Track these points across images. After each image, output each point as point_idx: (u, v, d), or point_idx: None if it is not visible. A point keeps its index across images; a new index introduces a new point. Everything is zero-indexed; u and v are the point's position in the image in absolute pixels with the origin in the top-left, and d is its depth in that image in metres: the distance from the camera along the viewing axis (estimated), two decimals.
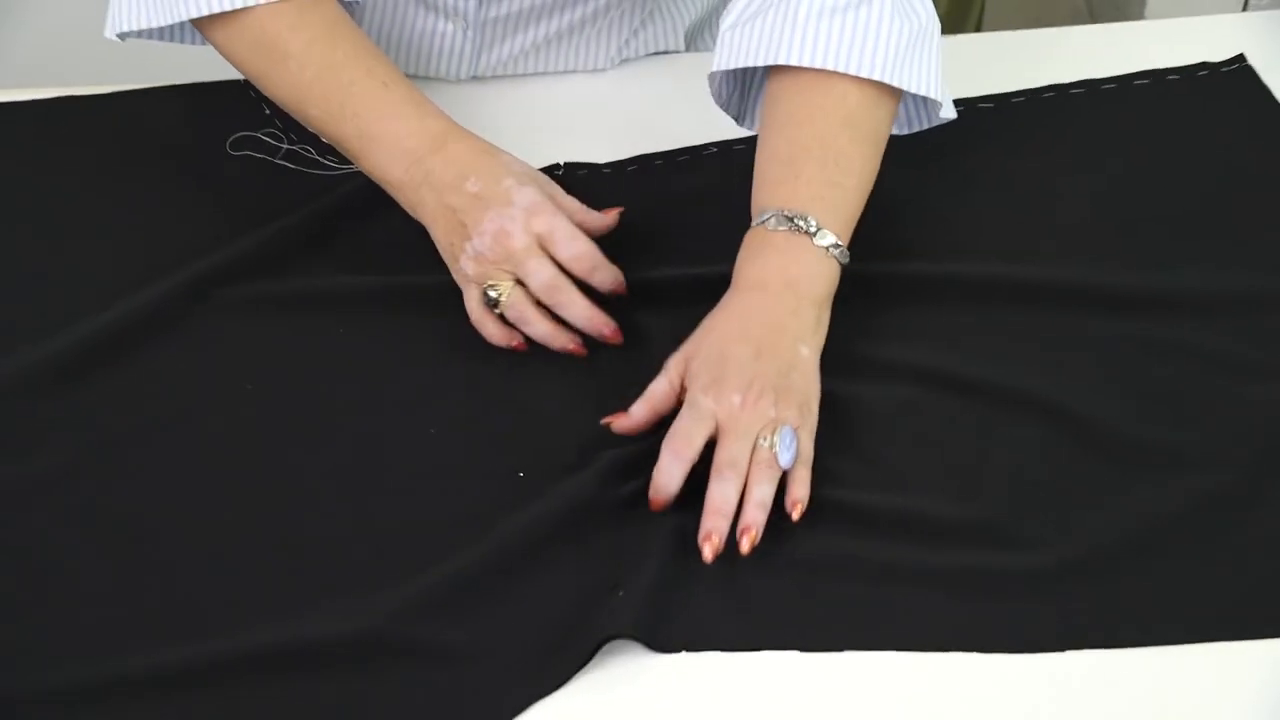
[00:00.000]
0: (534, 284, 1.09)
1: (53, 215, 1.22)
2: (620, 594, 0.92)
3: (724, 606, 0.93)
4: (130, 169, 1.26)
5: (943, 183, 1.23)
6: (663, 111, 1.31)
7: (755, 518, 0.97)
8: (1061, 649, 0.91)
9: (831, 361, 1.06)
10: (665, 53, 1.40)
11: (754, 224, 1.11)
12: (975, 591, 0.94)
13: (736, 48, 1.15)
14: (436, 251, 1.14)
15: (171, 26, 1.22)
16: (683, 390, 1.03)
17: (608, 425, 1.03)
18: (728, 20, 1.17)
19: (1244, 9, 2.08)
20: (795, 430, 1.00)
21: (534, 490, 0.99)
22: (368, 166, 1.16)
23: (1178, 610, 0.93)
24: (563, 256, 1.09)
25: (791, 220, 1.08)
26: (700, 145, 1.27)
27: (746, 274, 1.09)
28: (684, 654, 0.91)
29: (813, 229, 1.08)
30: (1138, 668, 0.90)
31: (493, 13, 1.30)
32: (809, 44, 1.11)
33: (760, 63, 1.13)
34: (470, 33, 1.31)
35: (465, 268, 1.11)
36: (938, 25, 1.17)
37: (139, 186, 1.24)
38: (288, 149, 1.26)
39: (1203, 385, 1.06)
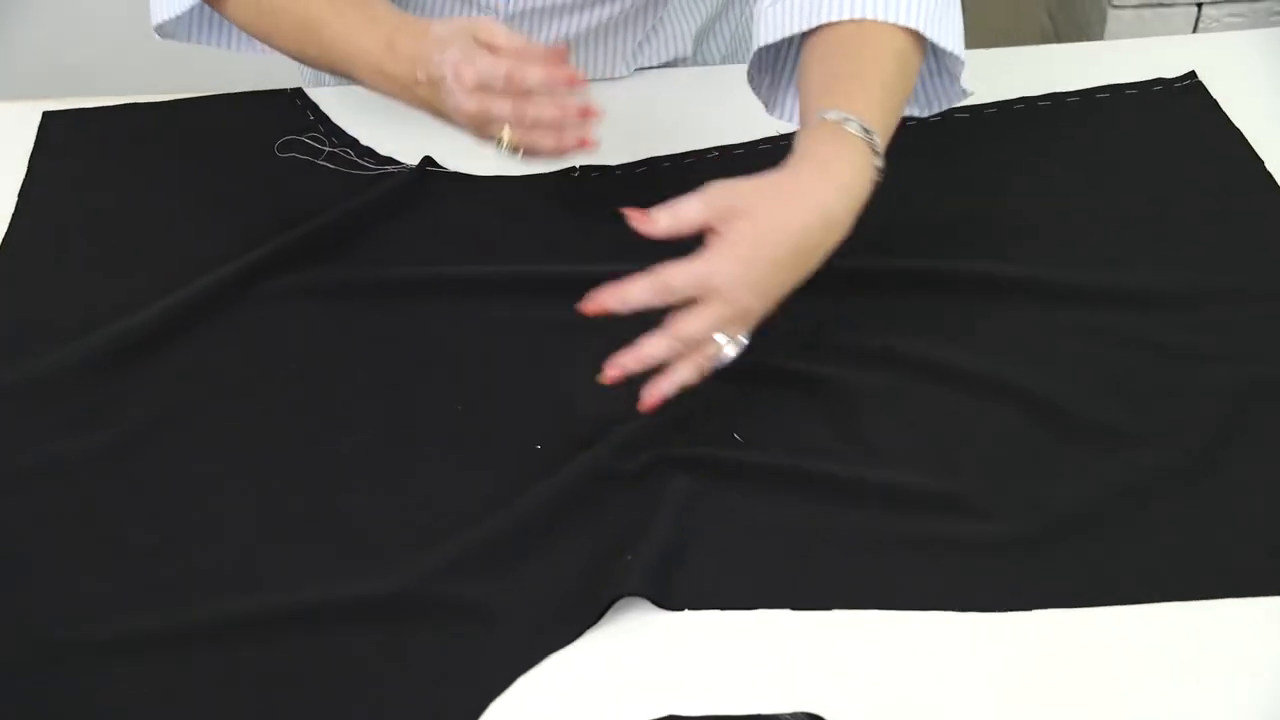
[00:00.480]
0: (505, 117, 1.04)
1: (115, 212, 1.23)
2: (629, 557, 0.93)
3: (724, 568, 0.94)
4: (187, 169, 1.26)
5: (923, 185, 1.23)
6: (670, 119, 1.31)
7: (663, 388, 0.97)
8: (1030, 608, 0.92)
9: (824, 348, 1.08)
10: (674, 64, 1.40)
11: (829, 116, 1.02)
12: (952, 556, 0.95)
13: (777, 21, 1.10)
14: (463, 244, 1.16)
15: (199, 25, 1.23)
16: (705, 230, 0.97)
17: (622, 215, 0.97)
18: (763, 2, 1.13)
19: (1194, 31, 2.10)
20: (742, 347, 0.98)
21: (551, 462, 1.00)
22: (367, 88, 1.14)
23: (1136, 572, 0.93)
24: (501, 44, 1.04)
25: (867, 133, 1.02)
26: (704, 149, 1.27)
27: (823, 155, 1.01)
28: (687, 611, 0.92)
29: (878, 148, 1.03)
30: (1101, 624, 0.91)
31: (523, 5, 1.29)
32: (848, 4, 1.07)
33: (803, 27, 1.08)
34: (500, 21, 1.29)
35: (460, 123, 1.07)
36: None
37: (195, 185, 1.25)
38: (329, 151, 1.26)
39: (1157, 371, 1.06)
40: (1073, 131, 1.29)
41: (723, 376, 1.04)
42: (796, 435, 1.02)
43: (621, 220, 1.04)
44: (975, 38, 2.40)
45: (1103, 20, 2.11)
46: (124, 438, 1.03)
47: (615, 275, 1.12)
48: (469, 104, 1.05)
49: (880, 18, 1.07)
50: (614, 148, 1.27)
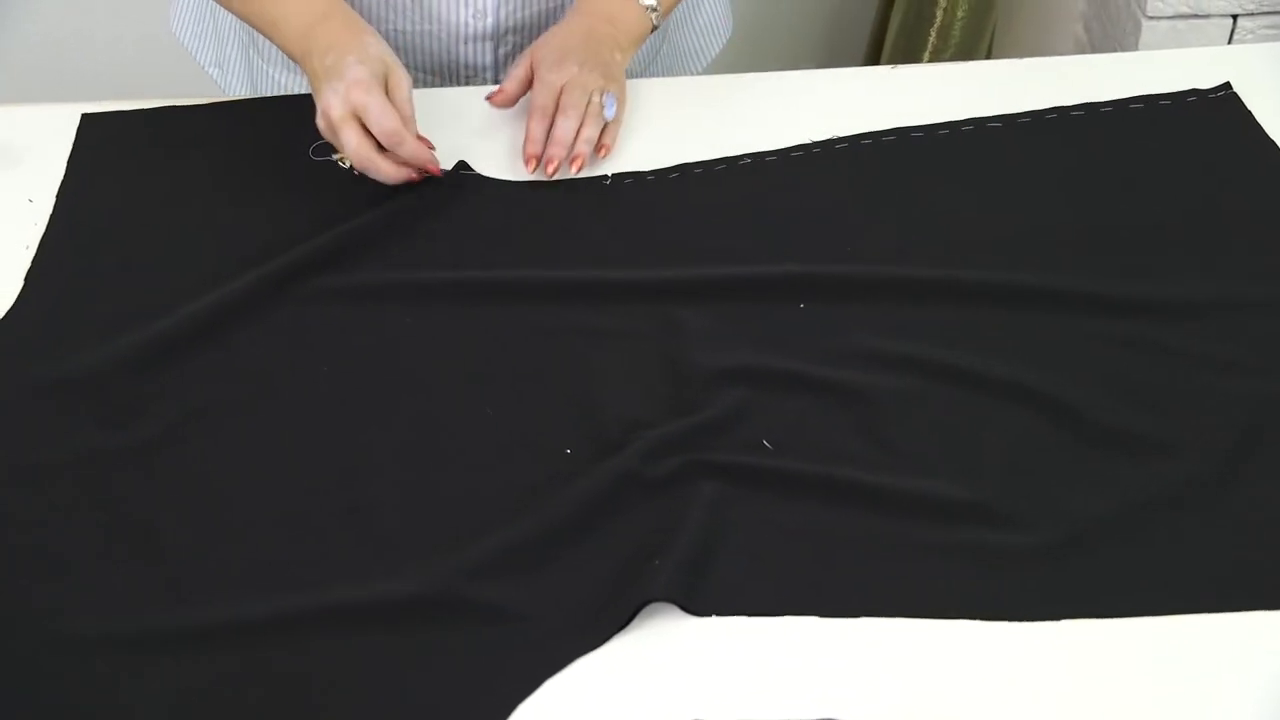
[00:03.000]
0: (346, 150, 1.18)
1: (151, 213, 1.23)
2: (657, 563, 0.93)
3: (751, 574, 0.94)
4: (222, 171, 1.26)
5: (953, 192, 1.23)
6: (702, 125, 1.31)
7: (583, 150, 1.23)
8: (1056, 617, 0.91)
9: (848, 353, 1.08)
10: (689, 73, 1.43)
11: None
12: (977, 565, 0.94)
13: None
14: (494, 249, 1.16)
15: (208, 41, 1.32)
16: (533, 78, 1.24)
17: (489, 100, 1.26)
18: None
19: (1229, 42, 2.08)
20: (616, 97, 1.24)
21: (580, 466, 1.00)
22: (280, 47, 1.25)
23: (1161, 581, 0.93)
24: (373, 128, 1.16)
25: None
26: (736, 155, 1.27)
27: (582, 5, 1.31)
28: (713, 617, 0.92)
29: None
30: (1126, 633, 0.91)
31: None
32: None
33: None
34: None
35: (320, 116, 1.19)
36: None
37: (230, 187, 1.25)
38: None
39: (1184, 380, 1.06)
40: (1106, 141, 1.29)
41: (754, 380, 1.05)
42: (824, 442, 1.02)
43: (657, 225, 1.16)
44: (1008, 47, 2.40)
45: (1137, 31, 2.10)
46: (156, 436, 1.03)
47: (646, 280, 1.13)
48: (336, 112, 1.16)
49: None
50: (646, 153, 1.27)
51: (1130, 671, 0.89)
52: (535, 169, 1.23)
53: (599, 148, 1.25)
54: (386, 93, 1.17)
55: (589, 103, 1.23)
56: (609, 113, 1.24)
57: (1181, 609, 0.92)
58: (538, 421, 1.04)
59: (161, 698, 0.88)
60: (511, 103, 1.28)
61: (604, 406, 1.04)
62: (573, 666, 0.90)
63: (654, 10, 1.32)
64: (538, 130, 1.23)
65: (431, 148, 1.21)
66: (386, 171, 1.19)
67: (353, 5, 1.35)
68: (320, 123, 1.19)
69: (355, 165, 1.19)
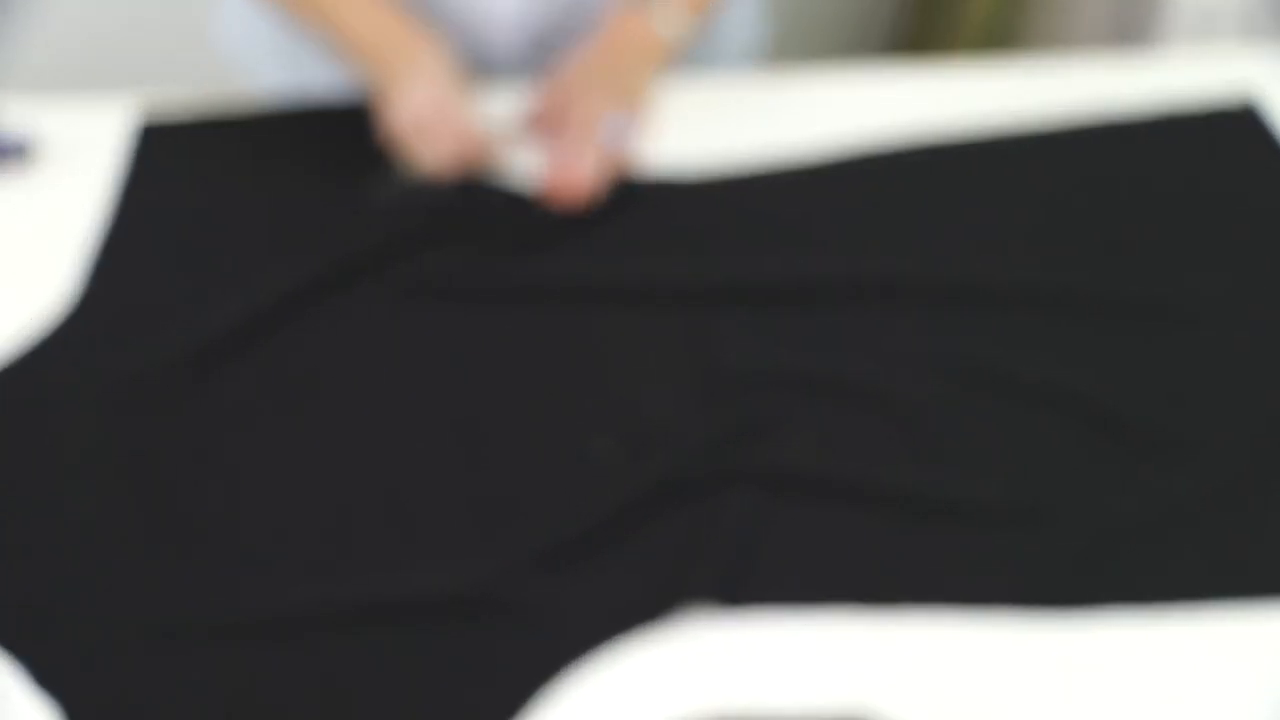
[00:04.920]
0: (428, 164, 1.22)
1: (209, 215, 1.24)
2: (692, 568, 0.94)
3: (785, 573, 0.95)
4: (279, 178, 1.27)
5: (982, 200, 1.24)
6: (735, 126, 1.32)
7: (599, 175, 1.22)
8: (1093, 608, 0.93)
9: (883, 357, 1.09)
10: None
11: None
12: (1010, 561, 0.96)
13: None
14: (528, 250, 1.18)
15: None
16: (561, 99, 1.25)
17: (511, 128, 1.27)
18: None
19: (1249, 40, 2.08)
20: (635, 121, 1.25)
21: (614, 468, 1.01)
22: (344, 53, 1.28)
23: (1201, 580, 0.94)
24: (455, 142, 1.22)
25: (655, 2, 1.30)
26: (768, 160, 1.28)
27: (608, 26, 1.31)
28: (739, 608, 0.93)
29: (667, 12, 1.30)
30: (1163, 632, 0.92)
31: None
32: None
33: None
34: None
35: (386, 138, 1.23)
36: None
37: (285, 192, 1.26)
38: None
39: (1217, 382, 1.07)
40: (1132, 151, 1.29)
41: (787, 384, 1.07)
42: (861, 446, 1.03)
43: (689, 229, 1.18)
44: (1038, 42, 2.38)
45: (1163, 20, 2.10)
46: (203, 430, 1.05)
47: (682, 283, 1.15)
48: (427, 116, 1.21)
49: None
50: (676, 156, 1.28)
51: (1169, 669, 0.90)
52: (551, 194, 1.23)
53: (622, 171, 1.25)
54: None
55: (608, 129, 1.24)
56: (625, 139, 1.25)
57: (1223, 605, 0.93)
58: (572, 422, 1.05)
59: (200, 687, 0.90)
60: (533, 130, 1.29)
61: (639, 409, 1.06)
62: (601, 656, 0.91)
63: (680, 33, 1.32)
64: (556, 159, 1.24)
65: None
66: (452, 171, 1.23)
67: None
68: (390, 130, 1.22)
69: (445, 169, 1.22)
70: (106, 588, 0.96)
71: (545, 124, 1.29)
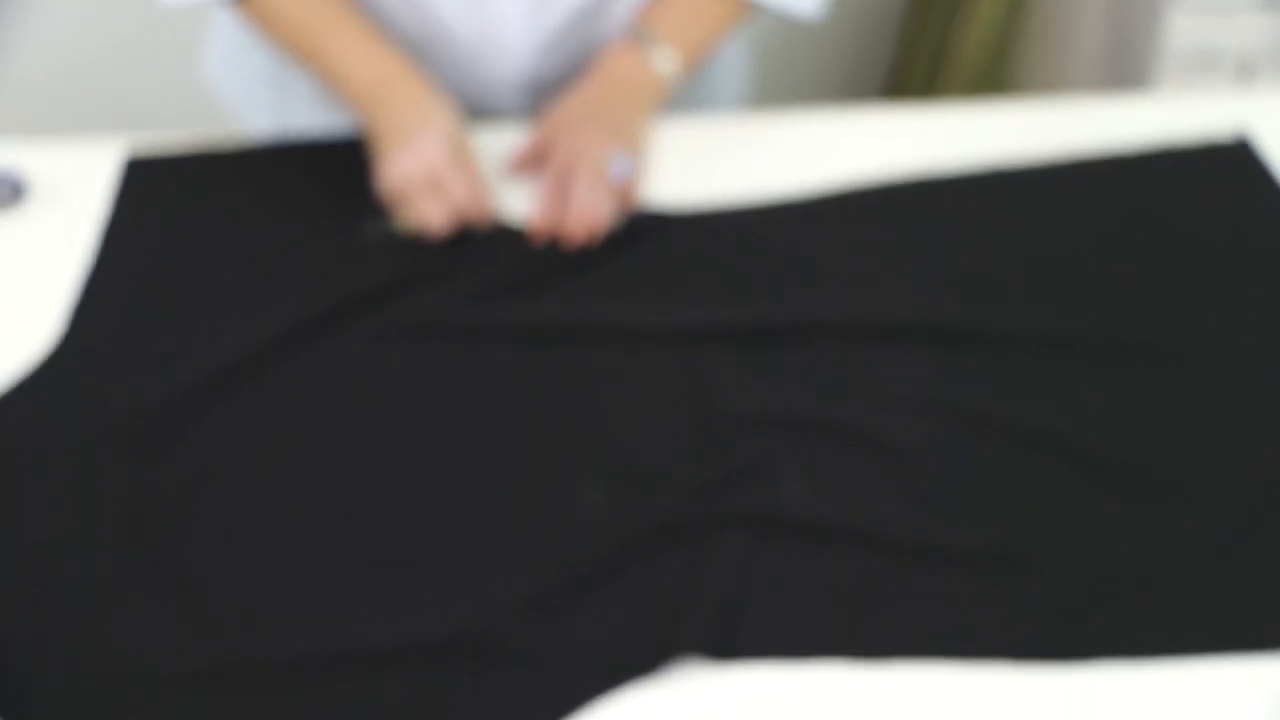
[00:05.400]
0: (428, 223, 1.20)
1: (196, 253, 1.23)
2: (683, 616, 0.93)
3: (777, 623, 0.94)
4: (265, 214, 1.27)
5: (973, 240, 1.24)
6: (727, 166, 1.32)
7: (597, 219, 1.21)
8: (1084, 661, 0.92)
9: (875, 400, 1.08)
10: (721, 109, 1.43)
11: (623, 37, 1.32)
12: (1003, 611, 0.95)
13: None
14: (523, 291, 1.18)
15: None
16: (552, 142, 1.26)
17: (509, 168, 1.28)
18: None
19: (1245, 78, 2.09)
20: (630, 160, 1.24)
21: (605, 510, 1.01)
22: (341, 100, 1.28)
23: (1192, 630, 0.94)
24: (445, 200, 1.21)
25: (646, 39, 1.31)
26: (760, 197, 1.28)
27: (600, 66, 1.32)
28: (737, 662, 0.92)
29: (660, 53, 1.31)
30: (1155, 681, 0.91)
31: None
32: None
33: None
34: None
35: (378, 187, 1.23)
36: None
37: (272, 229, 1.25)
38: None
39: (1209, 429, 1.06)
40: (1128, 190, 1.29)
41: (780, 426, 1.06)
42: (851, 489, 1.02)
43: (682, 267, 1.18)
44: (1025, 78, 2.40)
45: (1151, 74, 2.11)
46: (192, 472, 1.04)
47: (674, 323, 1.14)
48: (419, 180, 1.20)
49: None
50: (670, 195, 1.28)
51: (1154, 715, 0.89)
52: (545, 237, 1.22)
53: (622, 209, 1.25)
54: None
55: (601, 170, 1.23)
56: (622, 176, 1.24)
57: (1210, 653, 0.92)
58: (564, 463, 1.05)
59: None
60: (527, 167, 1.28)
61: (630, 450, 1.05)
62: (592, 709, 0.90)
63: (672, 74, 1.33)
64: (550, 201, 1.23)
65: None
66: (446, 229, 1.22)
67: None
68: (388, 183, 1.21)
69: (422, 230, 1.21)
70: (95, 632, 0.95)
71: (539, 162, 1.28)
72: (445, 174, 1.20)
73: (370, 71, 1.25)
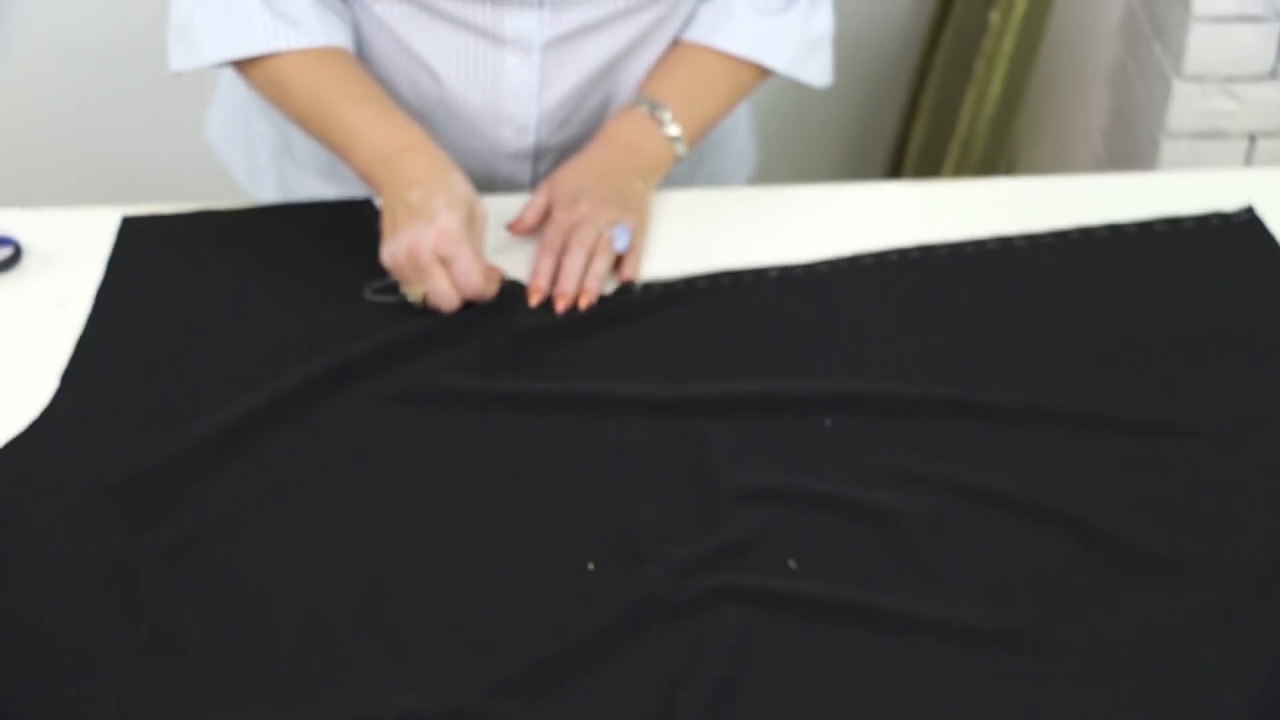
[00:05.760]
0: (433, 297, 1.20)
1: (189, 315, 1.23)
2: (681, 695, 0.92)
3: (775, 703, 0.93)
4: (259, 275, 1.27)
5: (979, 311, 1.24)
6: (731, 237, 1.32)
7: (592, 285, 1.22)
8: None
9: (875, 472, 1.07)
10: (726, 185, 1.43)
11: (630, 103, 1.34)
12: (1004, 691, 0.93)
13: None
14: (520, 359, 1.17)
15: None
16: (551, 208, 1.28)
17: (509, 229, 1.29)
18: None
19: (1248, 161, 2.10)
20: (629, 228, 1.24)
21: (604, 582, 0.99)
22: (352, 168, 1.26)
23: (1195, 709, 0.92)
24: (457, 280, 1.20)
25: (653, 108, 1.32)
26: (763, 268, 1.28)
27: (606, 133, 1.33)
28: None
29: (666, 119, 1.32)
30: None
31: (552, 32, 1.31)
32: (738, 36, 1.35)
33: (700, 40, 1.36)
34: (535, 58, 1.32)
35: (384, 257, 1.21)
36: (832, 26, 1.40)
37: (266, 291, 1.25)
38: None
39: (1213, 504, 1.05)
40: (1130, 262, 1.29)
41: (779, 500, 1.05)
42: (851, 563, 1.01)
43: (686, 339, 1.19)
44: (1029, 161, 2.42)
45: (1156, 148, 2.12)
46: (185, 539, 1.03)
47: (673, 393, 1.14)
48: (426, 257, 1.18)
49: (757, 59, 1.36)
50: (674, 264, 1.28)
51: None
52: (539, 302, 1.22)
53: (621, 277, 1.25)
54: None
55: (599, 237, 1.24)
56: (620, 244, 1.25)
57: None
58: (563, 534, 1.04)
59: None
60: (530, 232, 1.29)
61: (630, 521, 1.04)
62: None
63: (678, 140, 1.33)
64: (545, 266, 1.24)
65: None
66: (455, 306, 1.21)
67: None
68: (393, 258, 1.20)
69: (430, 303, 1.21)
70: (82, 695, 0.93)
71: (542, 229, 1.28)
72: (458, 252, 1.19)
73: (387, 140, 1.25)
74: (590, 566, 1.01)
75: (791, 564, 1.01)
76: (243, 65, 1.30)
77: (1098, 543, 1.02)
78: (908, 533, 1.03)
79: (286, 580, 1.01)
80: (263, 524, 1.05)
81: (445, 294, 1.19)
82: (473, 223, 1.21)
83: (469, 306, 1.22)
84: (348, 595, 1.00)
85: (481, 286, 1.21)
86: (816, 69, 1.40)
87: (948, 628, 0.97)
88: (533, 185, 1.42)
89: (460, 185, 1.22)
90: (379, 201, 1.25)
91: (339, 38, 1.29)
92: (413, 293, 1.21)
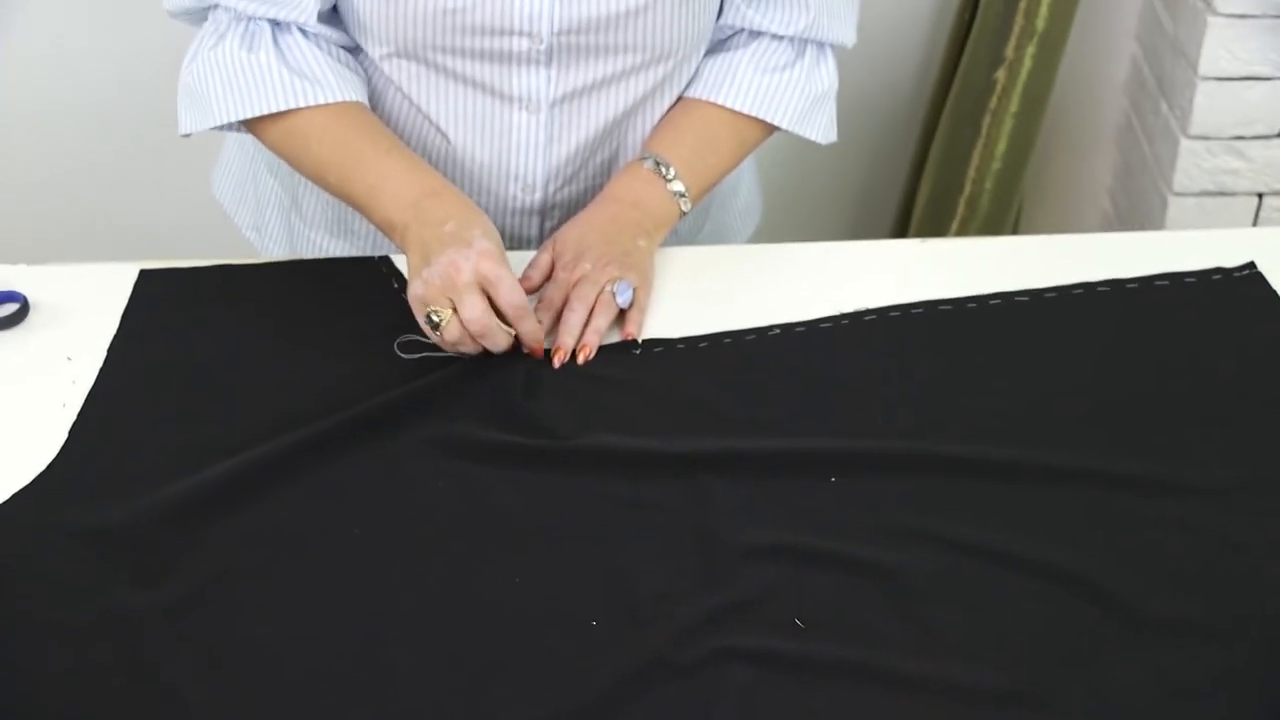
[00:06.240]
0: (465, 314, 1.17)
1: (201, 368, 1.24)
2: None
3: None
4: (271, 331, 1.27)
5: (980, 367, 1.23)
6: (732, 295, 1.32)
7: (591, 339, 1.23)
8: None
9: (879, 530, 1.07)
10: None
11: (634, 160, 1.36)
12: None
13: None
14: (522, 415, 1.17)
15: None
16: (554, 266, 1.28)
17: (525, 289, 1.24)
18: None
19: (1255, 220, 2.10)
20: (632, 285, 1.25)
21: (608, 640, 0.99)
22: (375, 217, 1.26)
23: None
24: (501, 300, 1.18)
25: (658, 164, 1.34)
26: (765, 326, 1.28)
27: (611, 190, 1.34)
28: None
29: (670, 175, 1.34)
30: None
31: (560, 90, 1.33)
32: (742, 92, 1.37)
33: (705, 97, 1.38)
34: (543, 116, 1.34)
35: (415, 289, 1.19)
36: (836, 84, 1.42)
37: (278, 347, 1.26)
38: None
39: (1219, 563, 1.05)
40: (1133, 318, 1.29)
41: (784, 558, 1.05)
42: (856, 622, 1.00)
43: (692, 395, 1.19)
44: (1035, 219, 2.42)
45: (1164, 207, 2.12)
46: (186, 595, 1.03)
47: (676, 451, 1.14)
48: (465, 277, 1.17)
49: (761, 116, 1.38)
50: (677, 321, 1.28)
51: None
52: (538, 358, 1.22)
53: (624, 334, 1.26)
54: None
55: (597, 295, 1.25)
56: (623, 300, 1.25)
57: None
58: (565, 591, 1.03)
59: None
60: (535, 290, 1.29)
61: (632, 578, 1.04)
62: None
63: (683, 196, 1.34)
64: (544, 322, 1.24)
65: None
66: (502, 342, 1.20)
67: None
68: (425, 285, 1.18)
69: (472, 331, 1.18)
70: None
71: (547, 286, 1.28)
72: (500, 272, 1.18)
73: (415, 186, 1.25)
74: (593, 623, 1.00)
75: (798, 622, 1.00)
76: (256, 122, 1.30)
77: (1105, 601, 1.02)
78: (913, 591, 1.03)
79: (289, 636, 1.00)
80: (266, 580, 1.04)
81: (478, 316, 1.17)
82: (505, 259, 1.20)
83: (475, 362, 1.22)
84: (349, 651, 0.99)
85: (525, 306, 1.20)
86: (820, 126, 1.41)
87: (956, 688, 0.96)
88: (540, 241, 1.42)
89: (490, 223, 1.22)
90: (397, 257, 1.25)
91: (355, 93, 1.30)
92: (441, 315, 1.18)
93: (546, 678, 0.97)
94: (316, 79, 1.28)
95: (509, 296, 1.18)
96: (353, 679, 0.97)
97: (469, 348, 1.20)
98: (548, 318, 1.24)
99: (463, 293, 1.17)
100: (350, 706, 0.95)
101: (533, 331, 1.21)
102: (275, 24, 1.28)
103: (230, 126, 1.33)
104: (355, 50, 1.34)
